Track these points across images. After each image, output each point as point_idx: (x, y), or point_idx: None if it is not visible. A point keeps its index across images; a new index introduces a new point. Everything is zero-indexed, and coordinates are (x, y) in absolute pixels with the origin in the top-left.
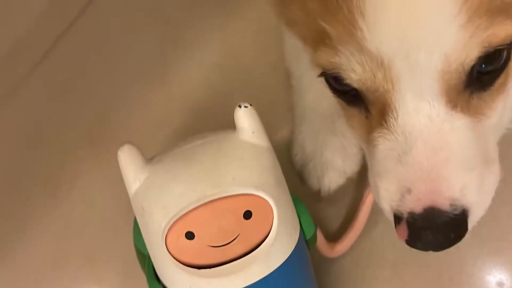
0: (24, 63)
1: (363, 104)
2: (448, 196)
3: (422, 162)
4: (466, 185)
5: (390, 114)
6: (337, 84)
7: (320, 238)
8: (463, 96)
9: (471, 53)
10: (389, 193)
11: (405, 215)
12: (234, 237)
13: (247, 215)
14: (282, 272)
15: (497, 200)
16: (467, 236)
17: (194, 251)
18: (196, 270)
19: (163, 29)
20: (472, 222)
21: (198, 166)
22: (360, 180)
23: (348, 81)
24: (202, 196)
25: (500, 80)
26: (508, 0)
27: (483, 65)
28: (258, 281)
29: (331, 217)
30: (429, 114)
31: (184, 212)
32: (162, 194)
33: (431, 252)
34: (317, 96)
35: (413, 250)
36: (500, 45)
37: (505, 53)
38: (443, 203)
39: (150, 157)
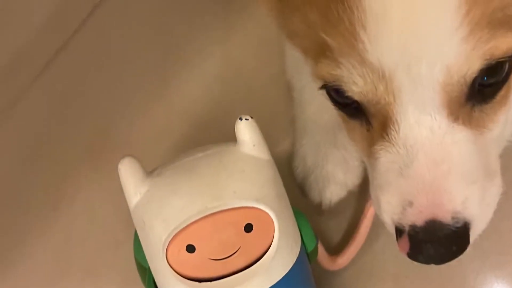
0: (24, 75)
1: (365, 117)
2: (449, 209)
3: (424, 174)
4: (468, 198)
5: (391, 126)
6: (338, 96)
7: (321, 251)
8: (465, 108)
9: (473, 66)
10: (390, 206)
11: (407, 228)
12: (235, 250)
13: (248, 228)
14: (283, 285)
15: (499, 214)
16: (469, 249)
17: (194, 264)
18: (197, 283)
19: (163, 41)
20: (474, 235)
21: (199, 179)
22: (362, 193)
23: (349, 94)
24: (203, 209)
25: (502, 93)
26: (510, 12)
27: (485, 78)
28: None
29: (332, 230)
30: (430, 127)
31: (184, 225)
32: (162, 207)
33: (433, 265)
34: (318, 109)
35: (415, 263)
36: (502, 58)
37: (507, 65)
38: (445, 216)
39: (150, 170)
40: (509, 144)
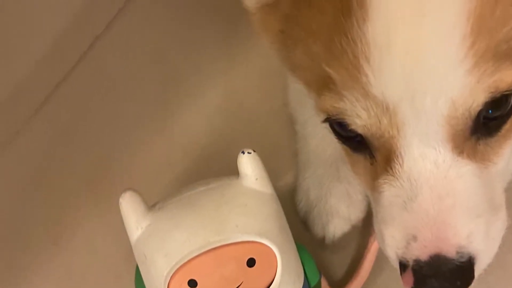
0: (25, 107)
1: (368, 150)
2: (454, 244)
3: (428, 209)
4: (473, 232)
5: (395, 160)
6: (341, 130)
7: (325, 285)
8: (470, 142)
9: (478, 99)
10: (394, 240)
11: (411, 263)
12: (238, 285)
13: (251, 262)
14: None
15: (504, 248)
16: (473, 283)
17: None
18: None
19: (165, 73)
20: (478, 269)
21: (201, 213)
22: (365, 227)
23: (353, 127)
24: (205, 244)
25: (507, 126)
26: None
27: (490, 111)
28: None
29: (335, 264)
30: (435, 160)
31: (186, 259)
32: (164, 242)
33: None
34: (321, 142)
35: None
36: (507, 91)
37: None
38: (449, 251)
39: (152, 204)
40: None
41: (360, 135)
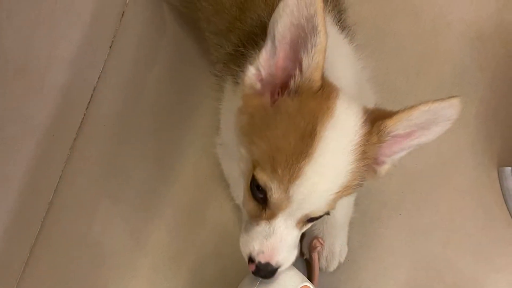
0: None
1: (265, 204)
2: (276, 260)
3: (273, 243)
4: (284, 257)
5: (274, 217)
6: (257, 188)
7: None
8: (303, 224)
9: (326, 209)
10: (253, 249)
11: (256, 261)
12: None
13: None
14: None
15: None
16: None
17: None
18: None
19: None
20: (281, 270)
21: None
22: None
23: (268, 196)
24: None
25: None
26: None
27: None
28: None
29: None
30: (286, 225)
31: None
32: None
33: None
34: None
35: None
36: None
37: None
38: (273, 262)
39: None
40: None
41: (266, 196)
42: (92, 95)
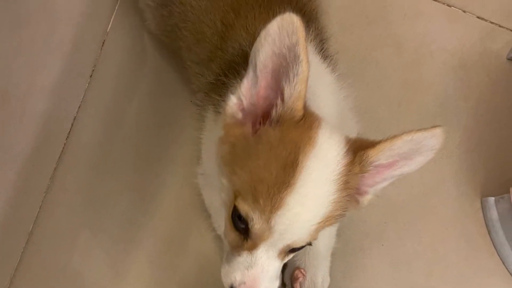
0: None
1: (246, 235)
2: None
3: (254, 273)
4: (266, 287)
5: (256, 248)
6: (239, 218)
7: None
8: (285, 254)
9: (308, 239)
10: (235, 279)
11: None
12: None
13: None
14: None
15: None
16: None
17: None
18: None
19: None
20: None
21: None
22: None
23: (249, 226)
24: None
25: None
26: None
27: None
28: None
29: None
30: (267, 256)
31: None
32: None
33: None
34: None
35: None
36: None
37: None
38: None
39: None
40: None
41: (247, 226)
42: (72, 124)
